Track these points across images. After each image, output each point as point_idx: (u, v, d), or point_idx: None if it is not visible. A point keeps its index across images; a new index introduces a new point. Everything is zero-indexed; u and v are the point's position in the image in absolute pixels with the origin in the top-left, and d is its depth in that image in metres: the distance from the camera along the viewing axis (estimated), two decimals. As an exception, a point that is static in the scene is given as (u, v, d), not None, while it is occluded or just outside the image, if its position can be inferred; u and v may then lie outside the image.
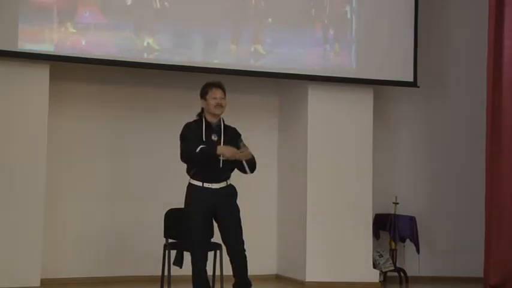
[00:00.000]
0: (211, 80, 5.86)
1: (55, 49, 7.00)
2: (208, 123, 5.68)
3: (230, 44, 7.55)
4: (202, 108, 5.77)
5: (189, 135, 5.66)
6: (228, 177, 5.71)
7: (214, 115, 5.69)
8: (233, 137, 5.71)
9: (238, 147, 5.64)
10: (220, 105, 5.63)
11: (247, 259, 5.76)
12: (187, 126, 5.71)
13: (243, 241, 5.70)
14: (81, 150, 7.70)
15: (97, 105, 7.80)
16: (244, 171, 5.72)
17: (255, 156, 5.82)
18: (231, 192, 5.72)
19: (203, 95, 5.71)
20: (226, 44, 7.52)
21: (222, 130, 5.66)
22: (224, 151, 5.53)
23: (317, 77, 7.83)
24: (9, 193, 6.90)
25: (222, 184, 5.66)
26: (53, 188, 7.29)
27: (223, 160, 5.56)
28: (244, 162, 5.59)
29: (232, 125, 5.92)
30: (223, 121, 5.78)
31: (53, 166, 7.31)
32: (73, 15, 7.06)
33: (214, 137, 5.62)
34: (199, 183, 5.62)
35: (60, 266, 7.47)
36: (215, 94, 5.64)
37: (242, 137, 5.79)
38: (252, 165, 5.69)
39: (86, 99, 7.76)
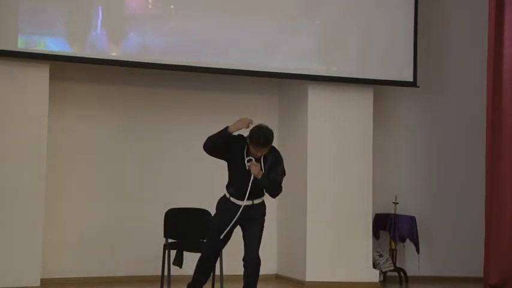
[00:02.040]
0: (262, 132, 5.49)
1: (55, 49, 7.00)
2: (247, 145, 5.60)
3: (230, 43, 7.54)
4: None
5: (223, 136, 5.54)
6: (257, 196, 5.69)
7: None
8: (271, 159, 5.64)
9: (272, 171, 5.64)
10: (255, 155, 5.52)
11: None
12: (233, 137, 5.59)
13: (258, 251, 5.73)
14: (81, 150, 7.70)
15: (97, 105, 7.80)
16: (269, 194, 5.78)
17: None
18: (255, 209, 5.72)
19: (249, 140, 5.49)
20: (226, 44, 7.52)
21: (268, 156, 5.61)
22: (238, 124, 5.47)
23: (317, 77, 7.83)
24: (9, 193, 6.90)
25: (248, 202, 5.64)
26: (53, 188, 7.29)
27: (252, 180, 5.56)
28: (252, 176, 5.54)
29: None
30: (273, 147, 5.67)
31: (53, 166, 7.31)
32: (73, 15, 7.05)
33: (248, 161, 5.55)
34: (227, 196, 5.68)
35: (60, 266, 7.47)
36: (256, 151, 5.51)
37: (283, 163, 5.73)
38: (267, 188, 5.68)
39: (86, 99, 7.76)
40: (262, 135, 5.47)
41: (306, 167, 7.86)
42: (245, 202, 5.60)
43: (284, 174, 5.70)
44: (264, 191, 5.71)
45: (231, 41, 7.54)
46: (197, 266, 5.76)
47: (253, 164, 5.50)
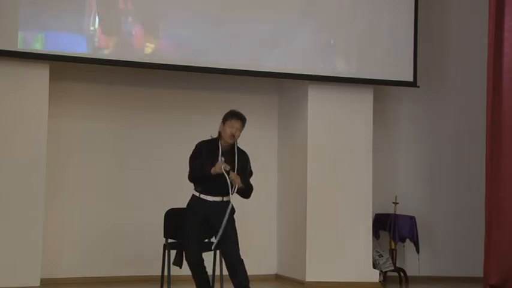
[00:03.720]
0: (236, 109, 5.96)
1: (55, 49, 7.00)
2: (219, 146, 5.86)
3: (230, 43, 7.54)
4: (220, 131, 5.91)
5: (194, 157, 5.88)
6: (225, 195, 5.81)
7: (226, 142, 5.86)
8: (243, 162, 5.90)
9: (244, 171, 5.86)
10: (233, 136, 5.82)
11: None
12: (196, 148, 5.92)
13: (237, 247, 5.82)
14: (81, 150, 7.70)
15: (97, 105, 7.80)
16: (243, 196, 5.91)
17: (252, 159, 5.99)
18: (225, 205, 5.81)
19: (224, 120, 5.89)
20: (226, 44, 7.52)
21: (236, 155, 5.86)
22: (215, 169, 5.71)
23: (317, 77, 7.83)
24: (9, 193, 6.90)
25: (217, 198, 5.82)
26: (52, 188, 7.29)
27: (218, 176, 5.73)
28: (228, 181, 5.70)
29: None
30: (237, 146, 5.91)
31: (53, 166, 7.31)
32: (73, 15, 7.05)
33: (221, 159, 5.77)
34: (197, 194, 5.87)
35: (60, 266, 7.48)
36: (233, 124, 5.83)
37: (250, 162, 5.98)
38: (242, 193, 5.85)
39: (86, 99, 7.76)
40: (235, 110, 5.90)
41: (306, 167, 7.86)
42: (215, 198, 5.80)
43: (251, 174, 5.97)
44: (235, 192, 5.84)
45: (231, 41, 7.54)
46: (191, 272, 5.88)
47: (234, 175, 5.71)
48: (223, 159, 5.77)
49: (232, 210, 5.83)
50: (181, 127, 7.98)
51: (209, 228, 5.84)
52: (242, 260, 5.75)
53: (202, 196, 5.83)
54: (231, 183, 5.66)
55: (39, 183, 7.01)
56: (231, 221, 5.82)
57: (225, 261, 5.85)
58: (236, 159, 5.83)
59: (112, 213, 7.72)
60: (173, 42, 7.39)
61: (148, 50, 7.30)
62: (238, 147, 5.91)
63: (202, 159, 5.78)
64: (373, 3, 8.01)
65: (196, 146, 5.93)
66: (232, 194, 5.75)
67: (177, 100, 8.05)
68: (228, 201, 5.80)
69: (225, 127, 5.84)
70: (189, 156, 5.89)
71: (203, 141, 5.92)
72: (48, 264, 7.21)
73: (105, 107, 7.84)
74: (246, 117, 5.88)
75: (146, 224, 7.53)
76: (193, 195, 5.90)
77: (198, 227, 5.80)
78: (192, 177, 5.84)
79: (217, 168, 5.69)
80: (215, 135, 5.89)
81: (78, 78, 7.70)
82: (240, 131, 5.87)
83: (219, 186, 5.70)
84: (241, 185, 5.73)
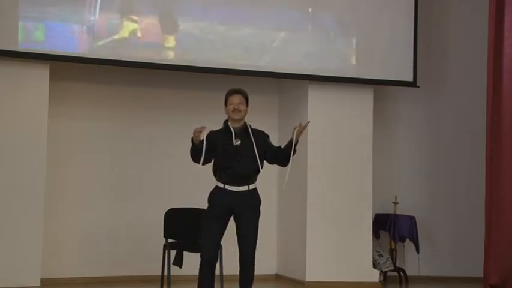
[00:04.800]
0: (234, 87, 5.78)
1: (55, 49, 7.00)
2: (230, 129, 5.60)
3: (230, 43, 7.54)
4: (228, 117, 5.71)
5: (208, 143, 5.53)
6: (251, 181, 5.62)
7: (235, 120, 5.63)
8: (260, 139, 5.66)
9: (268, 147, 5.67)
10: (237, 110, 5.58)
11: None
12: (207, 135, 5.59)
13: (254, 248, 5.57)
14: (81, 150, 7.71)
15: (97, 105, 7.81)
16: (286, 160, 5.66)
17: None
18: (249, 195, 5.60)
19: (225, 102, 5.69)
20: (226, 44, 7.52)
21: (251, 133, 5.61)
22: (193, 136, 5.44)
23: (317, 77, 7.83)
24: (9, 193, 6.90)
25: (243, 188, 5.56)
26: (52, 188, 7.30)
27: (239, 161, 5.50)
28: (293, 141, 5.50)
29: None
30: (250, 126, 5.68)
31: (53, 166, 7.31)
32: (73, 15, 7.05)
33: (236, 142, 5.54)
34: (221, 185, 5.58)
35: (60, 266, 7.48)
36: (232, 100, 5.62)
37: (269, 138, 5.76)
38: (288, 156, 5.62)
39: (86, 99, 7.76)
40: (233, 88, 5.71)
41: (306, 167, 7.86)
42: (240, 188, 5.54)
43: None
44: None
45: (231, 41, 7.54)
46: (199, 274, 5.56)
47: (300, 129, 5.46)
48: (239, 141, 5.51)
49: (258, 201, 5.62)
50: (181, 127, 7.94)
51: (230, 219, 5.56)
52: (254, 259, 5.53)
53: (227, 187, 5.52)
54: (292, 142, 5.42)
55: (39, 183, 7.01)
56: (256, 214, 5.59)
57: (239, 257, 5.58)
58: (253, 138, 5.57)
59: (112, 213, 7.73)
60: (173, 42, 7.39)
61: (148, 50, 7.29)
62: (251, 127, 5.65)
63: (214, 147, 5.46)
64: (373, 3, 8.02)
65: (205, 136, 5.54)
66: (293, 155, 5.51)
67: (177, 100, 8.06)
68: (254, 189, 5.59)
69: (227, 108, 5.63)
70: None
71: (212, 131, 5.61)
72: (48, 264, 7.21)
73: (105, 107, 7.84)
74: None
75: (146, 224, 7.53)
76: (215, 186, 5.60)
77: (219, 221, 5.50)
78: (195, 158, 5.49)
79: (194, 133, 5.40)
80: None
81: (78, 78, 7.70)
82: (245, 105, 5.63)
83: (240, 174, 5.47)
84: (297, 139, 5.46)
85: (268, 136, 5.75)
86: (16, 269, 6.85)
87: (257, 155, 5.58)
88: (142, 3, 7.33)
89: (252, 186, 5.62)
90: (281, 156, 5.68)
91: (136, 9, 7.29)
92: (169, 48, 7.37)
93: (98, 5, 7.14)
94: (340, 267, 7.81)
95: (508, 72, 7.66)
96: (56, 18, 7.00)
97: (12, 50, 6.85)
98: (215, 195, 5.59)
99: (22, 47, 6.88)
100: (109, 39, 7.17)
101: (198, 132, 5.42)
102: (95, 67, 7.49)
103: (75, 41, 7.06)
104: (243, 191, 5.56)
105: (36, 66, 7.01)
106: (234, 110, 5.59)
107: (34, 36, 6.95)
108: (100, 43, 7.13)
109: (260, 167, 5.63)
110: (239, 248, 5.62)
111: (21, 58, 6.92)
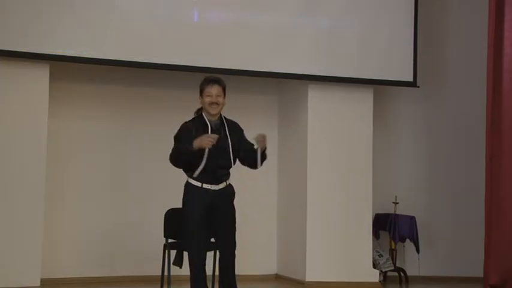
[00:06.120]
0: (210, 75, 5.51)
1: (55, 49, 6.99)
2: (206, 122, 5.37)
3: (230, 43, 7.54)
4: (201, 107, 5.49)
5: (182, 137, 5.36)
6: (227, 177, 5.49)
7: (211, 114, 5.38)
8: (235, 135, 5.43)
9: (243, 143, 5.42)
10: (215, 104, 5.29)
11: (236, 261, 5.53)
12: (182, 127, 5.40)
13: (234, 242, 5.44)
14: (81, 150, 7.71)
15: (97, 105, 7.81)
16: (255, 164, 5.37)
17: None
18: (228, 192, 5.48)
19: (200, 91, 5.35)
20: (226, 44, 7.51)
21: (226, 127, 5.35)
22: (199, 143, 5.15)
23: (317, 77, 7.83)
24: (9, 193, 6.90)
25: (221, 185, 5.42)
26: (52, 188, 7.30)
27: (213, 157, 5.22)
28: (258, 151, 5.24)
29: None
30: (225, 118, 5.45)
31: (53, 166, 7.31)
32: (73, 15, 7.05)
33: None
34: (199, 184, 5.37)
35: (60, 266, 7.48)
36: (210, 91, 5.28)
37: (244, 132, 5.56)
38: (264, 158, 5.40)
39: (86, 99, 7.76)
40: (209, 75, 5.37)
41: (306, 167, 7.86)
42: (219, 186, 5.33)
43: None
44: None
45: (231, 41, 7.53)
46: (191, 274, 5.43)
47: (261, 136, 5.19)
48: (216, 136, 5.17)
49: (233, 195, 5.41)
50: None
51: (211, 220, 5.38)
52: (234, 259, 5.41)
53: (205, 186, 5.28)
54: (260, 149, 5.14)
55: (39, 183, 7.01)
56: (232, 211, 5.40)
57: (219, 259, 5.48)
58: (228, 133, 5.28)
59: (112, 213, 7.73)
60: (173, 42, 7.38)
61: (148, 50, 7.29)
62: (226, 118, 5.34)
63: (193, 139, 5.15)
64: (373, 3, 8.01)
65: (180, 127, 5.35)
66: (261, 164, 5.21)
67: (177, 100, 8.03)
68: (230, 185, 5.36)
69: (203, 99, 5.27)
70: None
71: (187, 122, 5.34)
72: (48, 264, 7.21)
73: (105, 107, 7.84)
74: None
75: (146, 224, 7.53)
76: (191, 185, 5.34)
77: (203, 223, 5.33)
78: (173, 160, 5.27)
79: (203, 142, 5.06)
80: None
81: (78, 78, 7.70)
82: (223, 97, 5.26)
83: (218, 171, 5.19)
84: (264, 146, 5.17)
85: (243, 131, 5.49)
86: (16, 269, 6.85)
87: (231, 152, 5.33)
88: (143, 3, 7.32)
89: (228, 182, 5.44)
90: (250, 159, 5.40)
91: (137, 9, 7.28)
92: (169, 49, 7.36)
93: (97, 5, 7.14)
94: (340, 267, 7.81)
95: (508, 72, 7.65)
96: (56, 18, 6.98)
97: (12, 50, 6.84)
98: (194, 195, 5.33)
99: (22, 47, 6.88)
100: (109, 39, 7.17)
101: (210, 142, 5.14)
102: (94, 67, 7.49)
103: (75, 41, 7.05)
104: (221, 188, 5.38)
105: (36, 66, 7.01)
106: (212, 103, 5.29)
107: (34, 36, 6.94)
108: (100, 43, 7.13)
109: (232, 163, 5.38)
110: (219, 247, 5.47)
111: (21, 58, 6.92)
